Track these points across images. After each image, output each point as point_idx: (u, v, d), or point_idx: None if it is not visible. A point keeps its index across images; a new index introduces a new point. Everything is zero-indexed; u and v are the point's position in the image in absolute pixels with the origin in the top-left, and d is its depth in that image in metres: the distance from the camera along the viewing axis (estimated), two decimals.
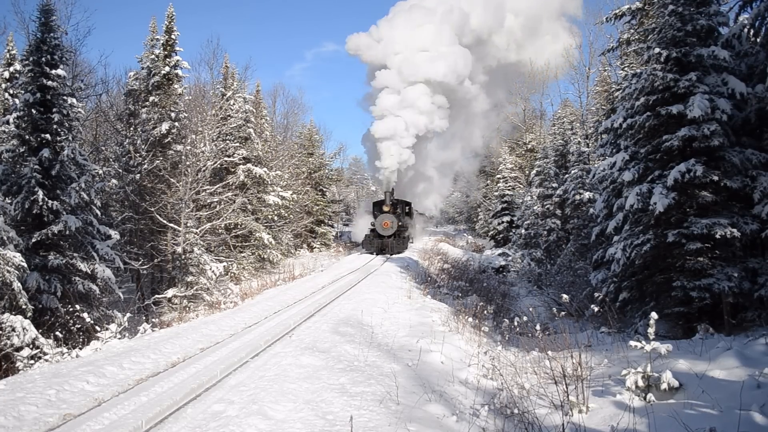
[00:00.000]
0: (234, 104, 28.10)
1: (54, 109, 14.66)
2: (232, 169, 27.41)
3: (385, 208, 37.89)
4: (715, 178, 10.79)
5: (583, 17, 59.47)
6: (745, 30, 12.34)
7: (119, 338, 12.65)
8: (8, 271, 11.32)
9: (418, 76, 40.72)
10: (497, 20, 48.30)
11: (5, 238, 11.80)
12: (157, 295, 20.47)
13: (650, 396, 7.12)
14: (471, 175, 63.99)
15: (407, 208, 44.23)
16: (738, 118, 11.74)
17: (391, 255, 34.71)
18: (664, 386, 7.10)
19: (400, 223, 37.81)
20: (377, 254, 35.62)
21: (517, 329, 11.27)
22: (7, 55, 23.28)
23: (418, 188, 54.61)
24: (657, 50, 11.78)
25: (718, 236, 10.55)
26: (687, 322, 11.62)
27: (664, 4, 11.97)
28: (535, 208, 34.33)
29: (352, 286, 20.42)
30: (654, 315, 7.55)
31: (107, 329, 12.89)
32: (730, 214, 11.03)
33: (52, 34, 14.86)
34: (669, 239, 11.12)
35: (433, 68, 40.71)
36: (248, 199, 27.37)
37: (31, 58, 14.74)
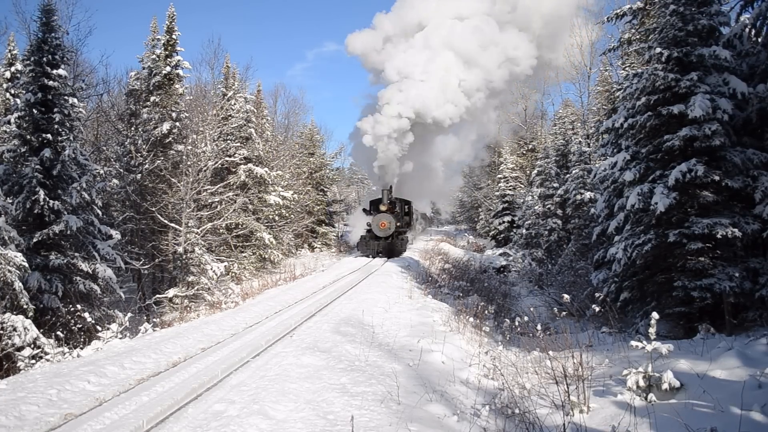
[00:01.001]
0: (235, 104, 28.12)
1: (55, 109, 14.67)
2: (233, 169, 27.41)
3: (383, 207, 34.69)
4: (716, 178, 10.78)
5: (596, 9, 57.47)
6: (747, 30, 12.33)
7: (120, 338, 12.65)
8: (9, 271, 11.34)
9: (451, 44, 37.69)
10: (525, 21, 45.62)
11: (6, 238, 11.81)
12: (158, 295, 20.48)
13: (651, 396, 7.11)
14: (480, 170, 62.70)
15: (407, 207, 40.89)
16: (739, 118, 11.73)
17: (389, 258, 32.16)
18: (665, 386, 7.10)
19: (398, 224, 34.99)
20: (373, 257, 33.02)
21: (518, 329, 11.27)
22: (9, 55, 23.32)
23: (422, 185, 51.58)
24: (658, 50, 11.77)
25: (719, 236, 10.54)
26: (688, 322, 11.61)
27: (666, 3, 11.96)
28: (536, 207, 34.34)
29: (353, 286, 20.41)
30: (655, 315, 7.55)
31: (108, 329, 12.89)
32: (731, 214, 11.02)
33: (53, 34, 14.87)
34: (670, 239, 11.11)
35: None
36: (249, 199, 27.36)
37: (32, 58, 14.75)
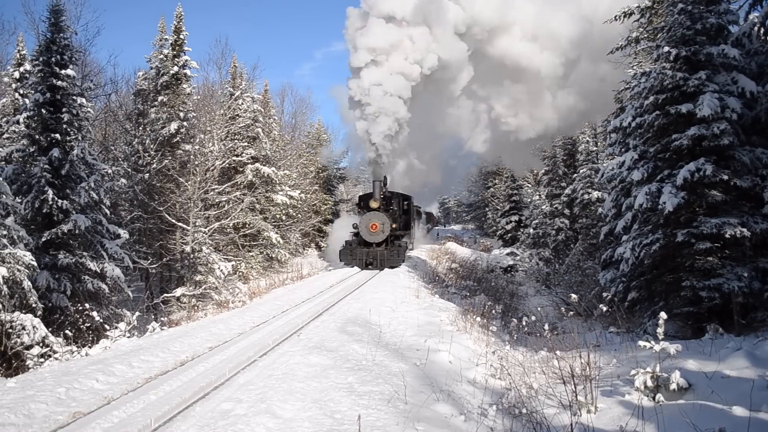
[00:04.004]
0: (242, 104, 28.20)
1: (64, 109, 14.74)
2: (241, 169, 27.49)
3: (374, 204, 27.35)
4: (725, 177, 10.71)
5: None
6: (755, 28, 12.24)
7: (128, 337, 12.69)
8: (18, 270, 11.39)
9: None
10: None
11: (16, 237, 11.87)
12: (165, 294, 20.56)
13: (659, 396, 7.08)
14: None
15: (406, 204, 33.59)
16: (748, 117, 11.66)
17: (382, 269, 25.70)
18: (673, 386, 7.07)
19: (394, 225, 27.86)
20: (362, 269, 26.21)
21: (526, 329, 11.26)
22: (17, 55, 23.43)
23: (429, 179, 47.79)
24: (666, 49, 11.71)
25: (727, 236, 10.47)
26: (696, 322, 11.55)
27: (674, 2, 11.90)
28: (543, 207, 34.25)
29: (359, 285, 20.41)
30: (663, 315, 7.51)
31: (116, 328, 12.95)
32: (740, 214, 10.95)
33: (61, 35, 14.95)
34: (678, 239, 11.06)
35: None
36: (256, 199, 27.44)
37: (41, 58, 14.83)
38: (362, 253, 26.59)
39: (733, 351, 8.16)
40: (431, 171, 48.06)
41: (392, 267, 26.05)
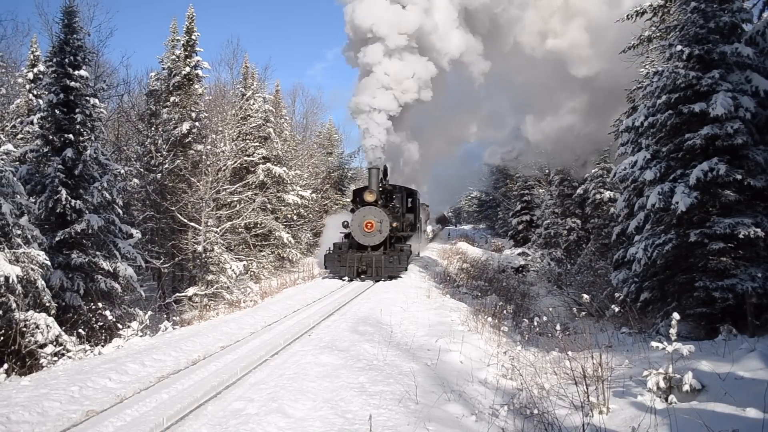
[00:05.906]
0: (254, 104, 28.29)
1: (77, 110, 14.86)
2: (252, 169, 27.58)
3: (369, 197, 22.27)
4: (739, 177, 10.63)
5: None
6: None
7: (141, 336, 12.78)
8: (32, 269, 11.49)
9: None
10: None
11: (30, 236, 11.97)
12: (178, 294, 20.68)
13: (672, 397, 7.04)
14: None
15: (410, 199, 28.02)
16: (762, 116, 11.55)
17: (378, 280, 21.08)
18: (686, 387, 7.02)
19: (395, 225, 22.70)
20: (351, 279, 21.37)
21: (537, 329, 11.21)
22: (31, 57, 23.63)
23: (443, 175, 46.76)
24: (679, 47, 11.64)
25: (741, 236, 10.39)
26: (709, 323, 11.47)
27: (687, 0, 11.83)
28: (554, 207, 34.11)
29: (370, 285, 20.40)
30: (676, 315, 7.46)
31: (129, 327, 13.04)
32: (754, 214, 10.86)
33: (75, 36, 15.08)
34: (691, 239, 10.99)
35: None
36: (268, 199, 27.52)
37: (54, 60, 14.97)
38: (353, 259, 21.41)
39: (747, 352, 8.09)
40: (450, 169, 46.50)
41: (391, 277, 21.44)
